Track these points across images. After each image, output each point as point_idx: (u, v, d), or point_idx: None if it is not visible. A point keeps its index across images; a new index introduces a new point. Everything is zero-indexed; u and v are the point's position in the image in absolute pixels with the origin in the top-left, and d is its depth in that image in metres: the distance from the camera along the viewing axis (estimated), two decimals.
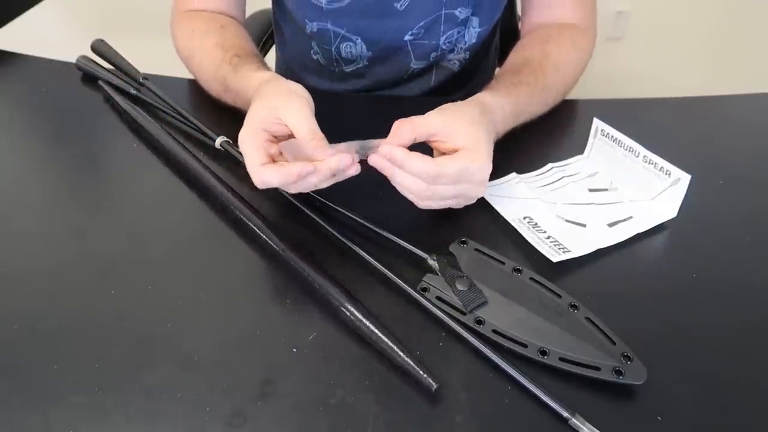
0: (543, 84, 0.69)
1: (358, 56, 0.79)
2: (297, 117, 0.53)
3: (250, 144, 0.53)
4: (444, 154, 0.54)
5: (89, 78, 0.76)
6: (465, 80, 0.87)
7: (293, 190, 0.54)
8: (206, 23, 0.74)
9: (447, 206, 0.55)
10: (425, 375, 0.44)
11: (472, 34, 0.79)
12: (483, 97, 0.62)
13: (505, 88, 0.66)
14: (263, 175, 0.52)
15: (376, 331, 0.47)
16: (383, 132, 0.53)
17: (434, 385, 0.44)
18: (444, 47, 0.78)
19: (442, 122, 0.54)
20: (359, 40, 0.77)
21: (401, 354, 0.46)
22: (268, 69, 0.68)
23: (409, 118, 0.54)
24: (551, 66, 0.71)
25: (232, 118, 0.68)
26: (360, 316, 0.48)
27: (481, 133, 0.55)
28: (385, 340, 0.46)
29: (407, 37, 0.76)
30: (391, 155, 0.52)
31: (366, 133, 0.54)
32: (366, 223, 0.56)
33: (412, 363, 0.45)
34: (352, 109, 0.76)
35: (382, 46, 0.78)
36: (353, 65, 0.81)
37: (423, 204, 0.54)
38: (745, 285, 0.54)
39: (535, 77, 0.69)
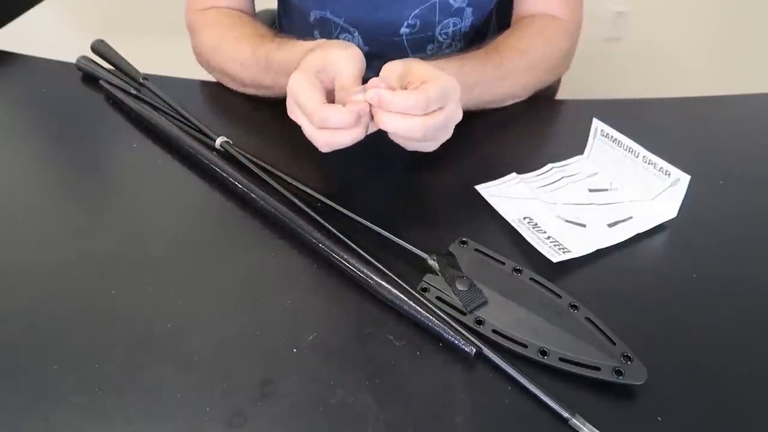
0: (498, 59, 0.69)
1: None
2: (349, 63, 0.54)
3: (307, 84, 0.52)
4: None
5: (89, 78, 0.76)
6: None
7: (328, 144, 0.52)
8: (230, 18, 0.76)
9: (436, 145, 0.55)
10: (462, 341, 0.46)
11: (467, 25, 0.81)
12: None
13: (450, 58, 0.66)
14: (323, 112, 0.51)
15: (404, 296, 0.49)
16: None
17: (473, 350, 0.46)
18: (441, 39, 0.79)
19: (405, 65, 0.55)
20: (356, 33, 0.78)
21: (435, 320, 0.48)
22: None
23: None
24: (507, 46, 0.71)
25: (232, 118, 0.68)
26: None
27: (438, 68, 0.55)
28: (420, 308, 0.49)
29: (403, 30, 0.77)
30: (379, 97, 0.51)
31: None
32: (366, 223, 0.56)
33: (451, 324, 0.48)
34: None
35: (379, 42, 0.78)
36: None
37: (412, 146, 0.54)
38: (745, 284, 0.54)
39: (486, 52, 0.69)
